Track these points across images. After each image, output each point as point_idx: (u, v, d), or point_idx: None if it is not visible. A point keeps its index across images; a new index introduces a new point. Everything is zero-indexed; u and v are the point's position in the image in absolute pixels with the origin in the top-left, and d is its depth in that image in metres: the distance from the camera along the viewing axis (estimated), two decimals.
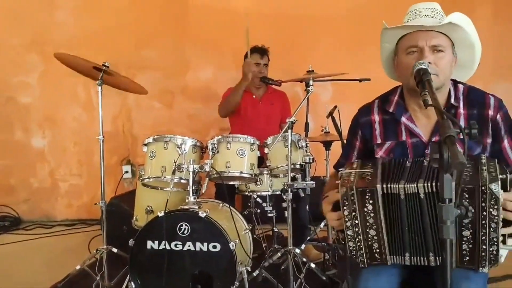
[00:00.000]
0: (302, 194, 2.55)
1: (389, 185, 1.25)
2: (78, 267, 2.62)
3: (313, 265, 2.54)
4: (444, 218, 0.93)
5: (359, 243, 1.30)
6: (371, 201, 1.26)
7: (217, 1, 4.43)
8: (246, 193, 2.78)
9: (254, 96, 3.55)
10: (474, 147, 1.43)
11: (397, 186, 1.25)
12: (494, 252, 1.17)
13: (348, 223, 1.29)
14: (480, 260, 1.19)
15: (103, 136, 2.62)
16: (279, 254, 2.51)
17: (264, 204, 2.82)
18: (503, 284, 2.47)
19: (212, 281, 2.18)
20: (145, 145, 2.57)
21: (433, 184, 1.20)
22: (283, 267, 2.66)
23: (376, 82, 3.21)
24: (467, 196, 1.15)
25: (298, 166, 2.52)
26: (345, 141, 1.75)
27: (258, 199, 2.85)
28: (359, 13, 4.24)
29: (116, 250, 2.62)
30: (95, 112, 4.56)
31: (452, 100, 1.46)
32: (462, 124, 1.45)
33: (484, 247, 1.17)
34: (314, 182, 2.43)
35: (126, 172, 4.52)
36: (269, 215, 2.83)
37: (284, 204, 2.79)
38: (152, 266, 2.23)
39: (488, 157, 1.28)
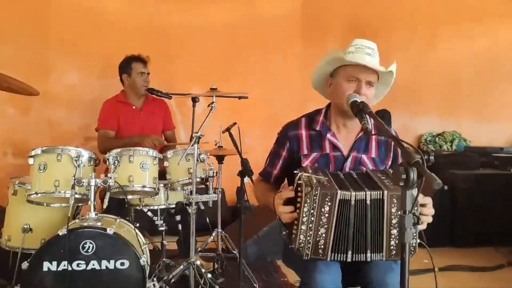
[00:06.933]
0: (202, 207, 2.62)
1: (343, 192, 1.47)
2: None
3: (209, 275, 2.63)
4: (406, 226, 1.17)
5: (309, 238, 1.48)
6: (329, 203, 1.46)
7: (84, 0, 4.17)
8: (139, 207, 2.72)
9: (134, 107, 3.46)
10: (380, 166, 1.80)
11: (349, 193, 1.48)
12: (414, 245, 1.48)
13: (305, 219, 1.46)
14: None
15: None
16: (181, 267, 2.52)
17: (155, 218, 2.79)
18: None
19: None
20: (31, 157, 2.31)
21: (378, 192, 1.47)
22: (173, 280, 2.68)
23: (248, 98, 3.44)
24: (395, 201, 1.45)
25: (199, 179, 2.59)
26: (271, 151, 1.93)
27: (148, 213, 2.80)
28: (233, 28, 4.45)
29: None
30: None
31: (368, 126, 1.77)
32: (374, 146, 1.78)
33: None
34: (216, 195, 2.53)
35: None
36: (160, 228, 2.81)
37: (178, 217, 2.84)
38: None
39: None
